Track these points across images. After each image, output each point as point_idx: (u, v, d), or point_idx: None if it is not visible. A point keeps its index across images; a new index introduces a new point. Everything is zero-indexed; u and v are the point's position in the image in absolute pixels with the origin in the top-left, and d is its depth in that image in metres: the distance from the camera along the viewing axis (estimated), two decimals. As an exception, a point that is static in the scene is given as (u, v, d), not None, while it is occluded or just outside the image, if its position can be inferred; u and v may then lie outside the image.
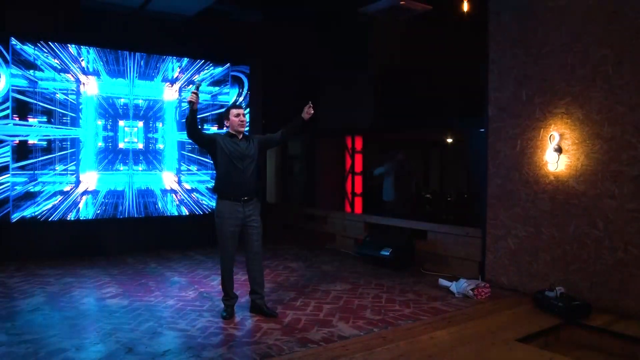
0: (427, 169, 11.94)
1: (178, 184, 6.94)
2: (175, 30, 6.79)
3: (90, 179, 6.34)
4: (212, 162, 3.82)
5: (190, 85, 3.54)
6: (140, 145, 6.66)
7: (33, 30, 6.02)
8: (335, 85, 8.20)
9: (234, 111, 3.72)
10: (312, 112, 3.78)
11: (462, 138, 9.37)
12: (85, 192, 6.30)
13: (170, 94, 6.86)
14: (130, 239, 6.53)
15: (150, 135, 6.72)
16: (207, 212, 7.04)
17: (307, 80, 8.11)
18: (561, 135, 4.30)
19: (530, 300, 4.20)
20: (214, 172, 3.88)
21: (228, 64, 7.22)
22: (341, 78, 8.06)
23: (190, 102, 3.42)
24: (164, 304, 4.11)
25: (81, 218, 6.28)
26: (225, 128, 3.81)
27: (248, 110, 7.02)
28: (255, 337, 3.33)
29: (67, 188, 6.19)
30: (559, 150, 4.27)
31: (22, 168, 5.90)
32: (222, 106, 7.12)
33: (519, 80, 4.63)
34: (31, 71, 5.97)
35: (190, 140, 4.43)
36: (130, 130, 6.61)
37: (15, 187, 5.87)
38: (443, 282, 4.82)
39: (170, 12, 6.45)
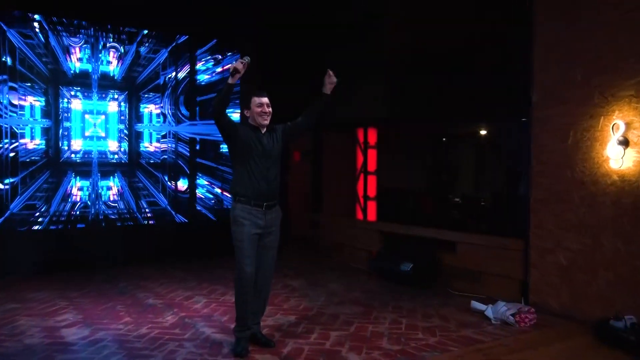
0: (455, 168, 11.75)
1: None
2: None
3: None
4: (227, 153, 3.87)
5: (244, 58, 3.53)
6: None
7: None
8: (344, 67, 8.07)
9: (257, 100, 3.67)
10: (335, 80, 3.77)
11: (499, 130, 9.28)
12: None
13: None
14: (94, 251, 6.53)
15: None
16: (185, 222, 7.19)
17: (310, 60, 7.99)
18: (628, 124, 4.18)
19: (590, 330, 4.10)
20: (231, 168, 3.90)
21: (214, 40, 7.40)
22: (352, 59, 7.93)
23: (234, 70, 3.42)
24: (136, 333, 4.06)
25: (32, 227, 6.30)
26: (246, 115, 3.76)
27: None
28: (248, 373, 3.36)
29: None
30: (625, 142, 4.16)
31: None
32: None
33: (572, 57, 4.53)
34: None
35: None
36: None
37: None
38: (476, 304, 4.77)
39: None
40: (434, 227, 6.52)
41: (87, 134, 6.66)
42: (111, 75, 6.76)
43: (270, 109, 3.68)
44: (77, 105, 6.57)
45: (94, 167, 6.68)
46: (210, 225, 7.35)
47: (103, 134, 6.75)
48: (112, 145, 6.82)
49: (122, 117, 6.87)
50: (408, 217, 7.23)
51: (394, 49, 7.59)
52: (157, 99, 7.11)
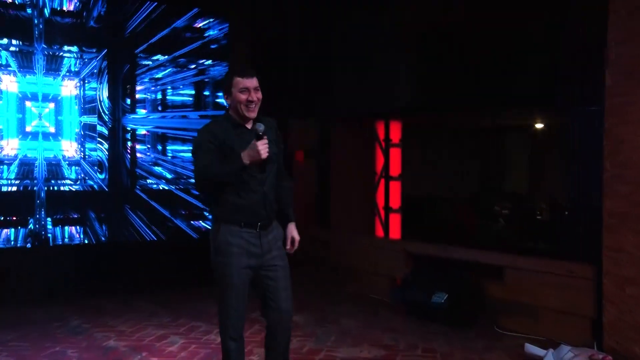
0: (502, 171, 11.80)
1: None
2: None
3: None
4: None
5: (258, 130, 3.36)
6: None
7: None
8: (358, 45, 8.08)
9: (240, 82, 3.38)
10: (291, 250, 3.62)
11: (559, 121, 9.13)
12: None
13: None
14: (38, 279, 6.41)
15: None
16: (158, 239, 7.07)
17: (315, 39, 8.08)
18: None
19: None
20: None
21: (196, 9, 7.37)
22: (366, 33, 7.94)
23: (256, 154, 3.25)
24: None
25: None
26: (226, 103, 3.50)
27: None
28: None
29: None
30: None
31: None
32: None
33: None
34: None
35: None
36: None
37: None
38: (532, 348, 4.69)
39: None
40: (475, 246, 6.42)
41: (28, 129, 6.52)
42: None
43: (259, 96, 3.39)
44: (10, 85, 6.43)
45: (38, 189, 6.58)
46: (190, 245, 7.23)
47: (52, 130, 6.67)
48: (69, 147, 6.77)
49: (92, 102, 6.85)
50: (442, 234, 7.21)
51: (420, 19, 7.48)
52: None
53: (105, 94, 6.92)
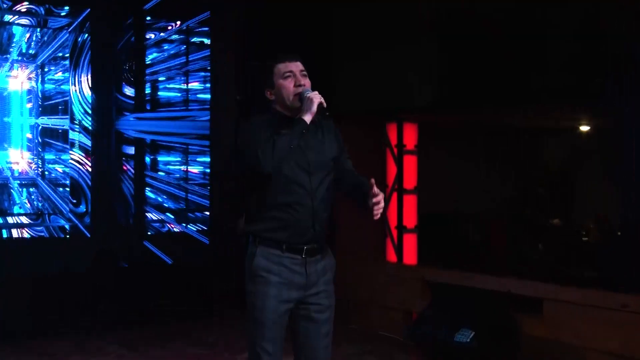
0: (536, 178, 11.68)
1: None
2: None
3: None
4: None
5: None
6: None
7: None
8: (365, 33, 8.03)
9: (282, 67, 3.37)
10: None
11: (609, 122, 9.14)
12: None
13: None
14: None
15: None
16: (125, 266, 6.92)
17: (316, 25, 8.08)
18: None
19: None
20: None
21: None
22: (374, 18, 7.92)
23: (310, 101, 3.27)
24: None
25: None
26: (269, 99, 3.42)
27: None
28: None
29: None
30: None
31: None
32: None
33: None
34: None
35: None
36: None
37: None
38: None
39: None
40: (507, 274, 6.42)
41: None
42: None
43: (308, 82, 3.36)
44: None
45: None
46: (164, 271, 7.10)
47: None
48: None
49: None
50: (467, 259, 7.16)
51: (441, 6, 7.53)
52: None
53: (86, 84, 6.62)
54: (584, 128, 10.09)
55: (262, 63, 3.42)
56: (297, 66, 3.37)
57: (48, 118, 6.60)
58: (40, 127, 6.56)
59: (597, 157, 10.32)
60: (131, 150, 7.02)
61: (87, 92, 6.72)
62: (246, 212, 3.45)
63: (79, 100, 6.66)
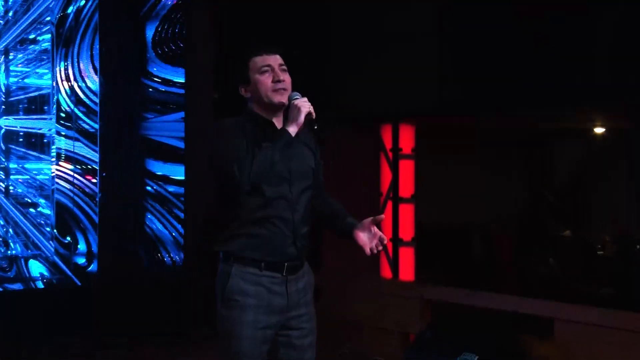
0: (547, 185, 11.82)
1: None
2: None
3: None
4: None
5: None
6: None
7: None
8: (361, 29, 8.16)
9: (258, 60, 3.31)
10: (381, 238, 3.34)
11: (626, 125, 9.21)
12: None
13: None
14: None
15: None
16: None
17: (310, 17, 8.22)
18: None
19: None
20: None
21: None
22: (375, 13, 8.02)
23: (298, 112, 3.23)
24: None
25: None
26: (244, 97, 3.39)
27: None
28: None
29: None
30: None
31: None
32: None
33: None
34: None
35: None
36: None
37: None
38: None
39: None
40: (515, 292, 6.67)
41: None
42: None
43: (288, 76, 3.32)
44: None
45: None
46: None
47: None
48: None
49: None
50: (470, 275, 7.20)
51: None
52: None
53: (86, 67, 6.04)
54: (599, 130, 10.17)
55: (236, 55, 3.38)
56: (275, 60, 3.31)
57: (15, 119, 6.00)
58: (3, 131, 5.99)
59: (614, 163, 10.41)
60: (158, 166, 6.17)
61: (88, 82, 6.08)
62: (219, 227, 3.38)
63: (76, 94, 6.03)
